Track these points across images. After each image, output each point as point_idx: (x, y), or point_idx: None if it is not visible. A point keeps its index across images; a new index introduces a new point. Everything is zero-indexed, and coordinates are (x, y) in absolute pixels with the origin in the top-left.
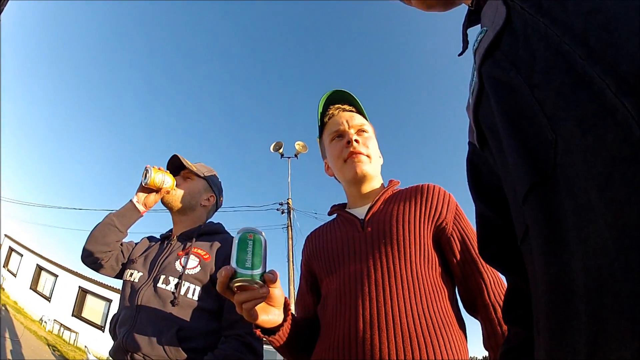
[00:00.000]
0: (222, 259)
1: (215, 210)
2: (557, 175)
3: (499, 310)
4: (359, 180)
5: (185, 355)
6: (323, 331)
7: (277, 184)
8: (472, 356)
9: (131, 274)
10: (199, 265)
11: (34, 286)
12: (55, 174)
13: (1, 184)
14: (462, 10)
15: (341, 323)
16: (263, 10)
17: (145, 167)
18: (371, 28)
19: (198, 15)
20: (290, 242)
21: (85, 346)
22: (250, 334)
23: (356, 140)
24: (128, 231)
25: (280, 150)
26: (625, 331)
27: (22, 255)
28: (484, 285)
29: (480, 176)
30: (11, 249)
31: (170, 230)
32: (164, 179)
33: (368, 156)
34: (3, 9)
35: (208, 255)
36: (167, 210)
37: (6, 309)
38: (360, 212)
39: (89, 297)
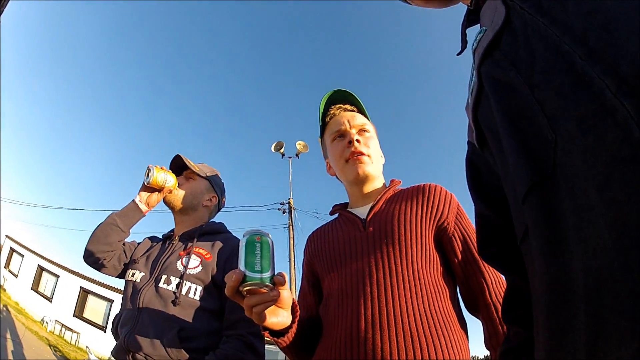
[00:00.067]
0: (224, 258)
1: (218, 211)
2: (556, 175)
3: (500, 310)
4: (360, 180)
5: (187, 355)
6: (325, 331)
7: (278, 183)
8: (473, 355)
9: (133, 274)
10: (200, 265)
11: (35, 287)
12: (56, 174)
13: (1, 185)
14: (461, 9)
15: (343, 323)
16: (264, 10)
17: (148, 167)
18: (373, 27)
19: (200, 15)
20: (291, 241)
21: (87, 346)
22: (251, 333)
23: (357, 140)
24: (130, 231)
25: (281, 150)
26: (624, 331)
27: (23, 256)
28: (485, 285)
29: (479, 176)
30: (12, 250)
31: (172, 230)
32: (166, 178)
33: (369, 156)
34: (3, 9)
35: (209, 255)
36: (170, 210)
37: (7, 309)
38: (361, 211)
39: (90, 298)
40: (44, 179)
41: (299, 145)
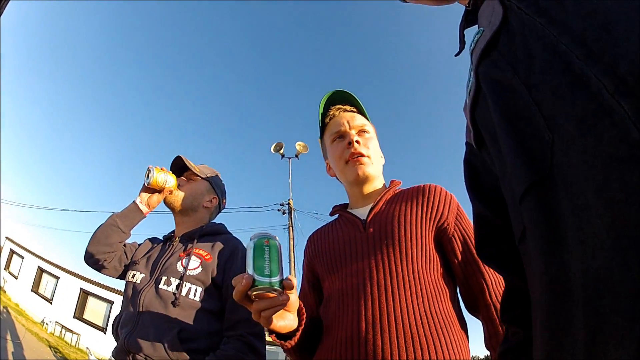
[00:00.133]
0: (224, 259)
1: (218, 212)
2: (554, 175)
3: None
4: (360, 181)
5: (188, 356)
6: (325, 331)
7: (277, 184)
8: (474, 355)
9: (133, 275)
10: (200, 266)
11: (35, 288)
12: (56, 175)
13: (1, 186)
14: (459, 10)
15: (343, 324)
16: (264, 9)
17: (148, 167)
18: (372, 27)
19: (200, 16)
20: (291, 242)
21: (87, 348)
22: (252, 334)
23: (357, 142)
24: (131, 232)
25: (281, 151)
26: (623, 331)
27: (23, 258)
28: (485, 286)
29: (477, 176)
30: (12, 251)
31: (173, 232)
32: (167, 178)
33: (369, 157)
34: (3, 9)
35: (210, 256)
36: (170, 212)
37: (8, 311)
38: (362, 212)
39: (90, 299)
40: (44, 180)
41: (299, 146)
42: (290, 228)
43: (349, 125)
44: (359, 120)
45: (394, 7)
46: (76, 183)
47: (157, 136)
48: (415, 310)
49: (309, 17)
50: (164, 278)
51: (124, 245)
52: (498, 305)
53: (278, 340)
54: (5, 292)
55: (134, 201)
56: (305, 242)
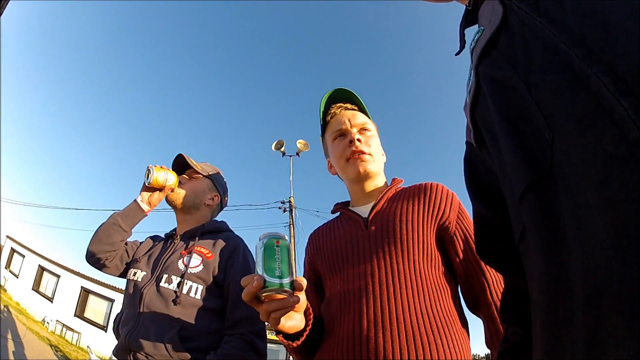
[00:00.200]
0: (225, 257)
1: (220, 210)
2: (554, 174)
3: None
4: (361, 179)
5: (188, 355)
6: (327, 330)
7: (278, 182)
8: (474, 354)
9: (135, 274)
10: (201, 264)
11: (36, 287)
12: (57, 174)
13: (1, 185)
14: (459, 10)
15: (345, 322)
16: (265, 7)
17: (147, 167)
18: (373, 26)
19: (201, 13)
20: (292, 240)
21: (88, 346)
22: (253, 332)
23: (358, 140)
24: (133, 230)
25: (282, 149)
26: (623, 330)
27: (23, 256)
28: (486, 284)
29: (477, 176)
30: (13, 250)
31: (175, 229)
32: (167, 177)
33: (370, 155)
34: (3, 9)
35: (211, 254)
36: (172, 210)
37: (8, 310)
38: (363, 210)
39: (91, 297)
40: (45, 178)
41: (300, 144)
42: (291, 226)
43: (350, 124)
44: (360, 118)
45: (397, 5)
46: (77, 181)
47: (159, 134)
48: (417, 309)
49: (309, 14)
50: (165, 276)
51: (126, 244)
52: (499, 304)
53: (285, 341)
54: (5, 290)
55: (135, 200)
56: (307, 240)
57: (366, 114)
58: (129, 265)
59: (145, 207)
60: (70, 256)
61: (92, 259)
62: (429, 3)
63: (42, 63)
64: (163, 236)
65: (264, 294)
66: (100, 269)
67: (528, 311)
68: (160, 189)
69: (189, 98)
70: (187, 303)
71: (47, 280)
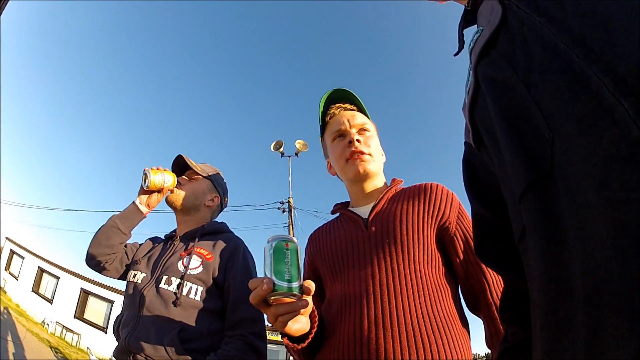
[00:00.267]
0: (225, 258)
1: (220, 211)
2: (554, 174)
3: None
4: (361, 178)
5: (188, 356)
6: (328, 331)
7: (277, 182)
8: (474, 353)
9: (134, 275)
10: (201, 266)
11: (35, 289)
12: (56, 175)
13: (1, 186)
14: (459, 10)
15: (346, 323)
16: (264, 7)
17: (144, 171)
18: (373, 26)
19: (200, 13)
20: None
21: (88, 348)
22: (253, 333)
23: (358, 140)
24: (134, 231)
25: (281, 149)
26: (623, 330)
27: (23, 258)
28: (486, 285)
29: (476, 176)
30: (12, 252)
31: (174, 231)
32: (164, 178)
33: (370, 155)
34: (3, 9)
35: (211, 255)
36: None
37: (8, 312)
38: (363, 211)
39: (90, 299)
40: (45, 179)
41: (299, 144)
42: (291, 226)
43: (350, 124)
44: (359, 118)
45: (396, 6)
46: (77, 182)
47: (158, 134)
48: (418, 310)
49: (308, 14)
50: (164, 277)
51: (125, 246)
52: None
53: (291, 344)
54: (5, 292)
55: (133, 202)
56: (307, 241)
57: (365, 114)
58: (128, 267)
59: (143, 209)
60: (70, 257)
61: (92, 262)
62: (429, 3)
63: (42, 63)
64: (163, 237)
65: (272, 297)
66: (100, 272)
67: (528, 311)
68: (159, 190)
69: (188, 98)
70: (187, 304)
71: (47, 282)
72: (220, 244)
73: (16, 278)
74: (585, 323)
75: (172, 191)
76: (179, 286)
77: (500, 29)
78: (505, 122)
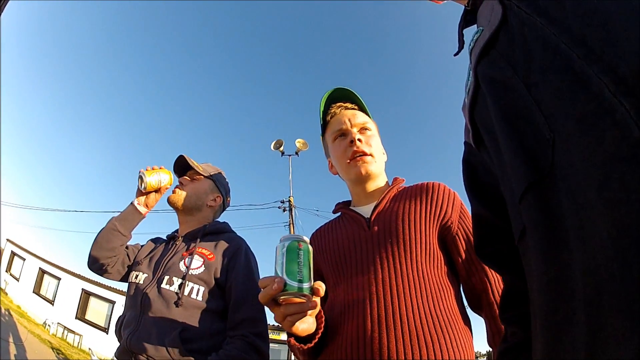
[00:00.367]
0: (227, 258)
1: (223, 211)
2: (554, 174)
3: None
4: (363, 180)
5: (190, 357)
6: (332, 330)
7: (278, 181)
8: (475, 351)
9: (136, 276)
10: (203, 266)
11: (37, 290)
12: (57, 175)
13: (1, 187)
14: (459, 10)
15: (349, 322)
16: (264, 7)
17: (139, 174)
18: (373, 26)
19: (200, 13)
20: None
21: (90, 348)
22: (255, 334)
23: (359, 140)
24: (137, 232)
25: (281, 148)
26: (624, 330)
27: (24, 259)
28: (488, 284)
29: (476, 176)
30: (13, 253)
31: (177, 231)
32: (160, 177)
33: (372, 155)
34: (3, 9)
35: (212, 255)
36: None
37: (9, 313)
38: (365, 210)
39: (92, 299)
40: (45, 179)
41: (299, 143)
42: (291, 225)
43: (351, 123)
44: (360, 117)
45: (395, 6)
46: (77, 182)
47: (159, 134)
48: (420, 309)
49: (309, 13)
50: (166, 277)
51: (126, 247)
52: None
53: (297, 344)
54: (6, 294)
55: (131, 203)
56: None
57: (366, 113)
58: (130, 268)
59: (142, 209)
60: (71, 258)
61: (95, 265)
62: (428, 3)
63: (42, 63)
64: (165, 238)
65: (282, 297)
66: (102, 275)
67: (528, 311)
68: (156, 190)
69: (188, 98)
70: (189, 305)
71: (48, 283)
72: (222, 244)
73: (17, 279)
74: (586, 323)
75: (174, 191)
76: (181, 286)
77: (501, 29)
78: (506, 122)
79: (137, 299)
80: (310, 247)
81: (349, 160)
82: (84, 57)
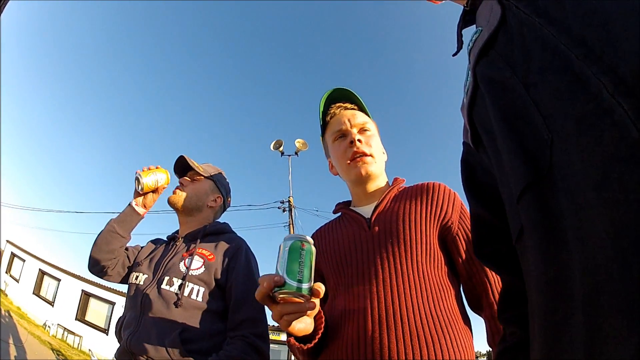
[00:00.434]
0: (227, 259)
1: (223, 211)
2: (553, 174)
3: None
4: (364, 181)
5: (190, 357)
6: (332, 331)
7: (277, 182)
8: (475, 351)
9: (137, 277)
10: (203, 266)
11: (36, 291)
12: (57, 176)
13: (1, 189)
14: (458, 10)
15: (350, 323)
16: (264, 7)
17: (135, 176)
18: (373, 26)
19: (200, 13)
20: None
21: (90, 349)
22: (255, 334)
23: (359, 140)
24: (133, 233)
25: (281, 149)
26: (623, 331)
27: (24, 261)
28: (488, 284)
29: (475, 176)
30: (13, 255)
31: (177, 232)
32: (156, 177)
33: (372, 155)
34: (3, 9)
35: (212, 256)
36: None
37: (9, 314)
38: (366, 210)
39: (92, 301)
40: (45, 180)
41: (298, 143)
42: (291, 225)
43: (350, 124)
44: (360, 118)
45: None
46: (77, 183)
47: (159, 134)
48: (421, 309)
49: (309, 14)
50: (166, 278)
51: (126, 249)
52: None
53: (297, 344)
54: (6, 295)
55: (129, 204)
56: None
57: (366, 113)
58: (130, 269)
59: (140, 210)
60: (71, 259)
61: (95, 268)
62: (428, 3)
63: (42, 63)
64: (165, 239)
65: (280, 295)
66: (102, 277)
67: (526, 311)
68: (154, 190)
69: (188, 98)
70: (189, 305)
71: (48, 284)
72: (223, 245)
73: (17, 281)
74: (584, 323)
75: (174, 192)
76: (181, 287)
77: (500, 29)
78: (504, 123)
79: (137, 300)
80: (313, 248)
81: (349, 161)
82: (84, 57)
